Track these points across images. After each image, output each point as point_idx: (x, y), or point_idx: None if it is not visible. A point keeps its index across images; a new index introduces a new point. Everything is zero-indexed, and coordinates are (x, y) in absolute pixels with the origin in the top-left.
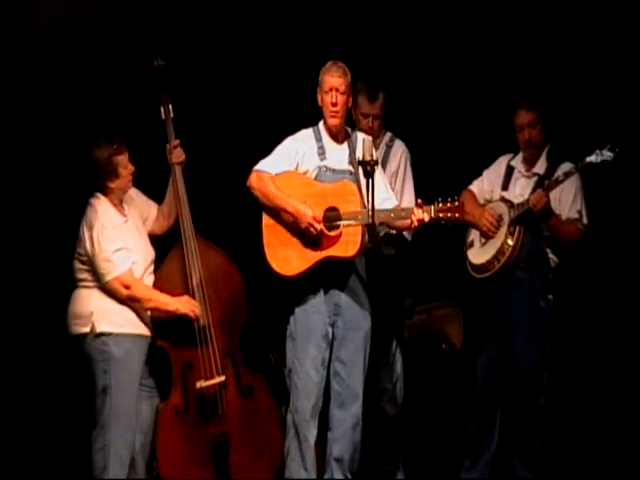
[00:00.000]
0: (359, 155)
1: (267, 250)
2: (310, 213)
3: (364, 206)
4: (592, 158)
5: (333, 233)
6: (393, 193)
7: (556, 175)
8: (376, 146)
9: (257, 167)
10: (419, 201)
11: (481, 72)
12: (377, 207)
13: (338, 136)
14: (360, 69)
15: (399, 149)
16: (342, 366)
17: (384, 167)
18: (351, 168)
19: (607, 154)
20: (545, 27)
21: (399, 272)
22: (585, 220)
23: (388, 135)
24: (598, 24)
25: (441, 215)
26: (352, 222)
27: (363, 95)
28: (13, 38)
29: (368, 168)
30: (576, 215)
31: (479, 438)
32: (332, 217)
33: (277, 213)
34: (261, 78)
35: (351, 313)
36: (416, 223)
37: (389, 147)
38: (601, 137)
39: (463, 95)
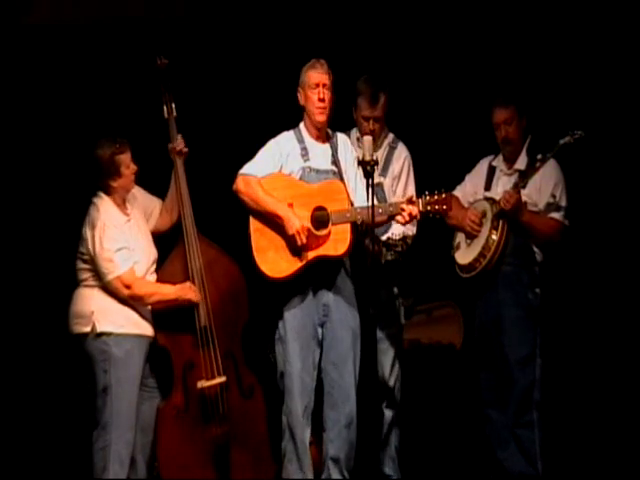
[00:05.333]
0: (359, 155)
1: (256, 254)
2: (298, 223)
3: (352, 204)
4: (566, 139)
5: (322, 232)
6: (394, 197)
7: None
8: (378, 146)
9: (242, 171)
10: (408, 197)
11: (478, 72)
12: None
13: (321, 136)
14: (361, 70)
15: (402, 153)
16: (333, 367)
17: (386, 169)
18: (334, 168)
19: (579, 132)
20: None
21: (398, 273)
22: (563, 203)
23: (391, 136)
24: (566, 15)
25: (429, 208)
26: (342, 220)
27: (364, 97)
28: (16, 38)
29: (368, 168)
30: (552, 199)
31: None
32: (320, 217)
33: (265, 216)
34: (264, 76)
35: (340, 313)
36: (407, 218)
37: (392, 148)
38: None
39: (461, 95)
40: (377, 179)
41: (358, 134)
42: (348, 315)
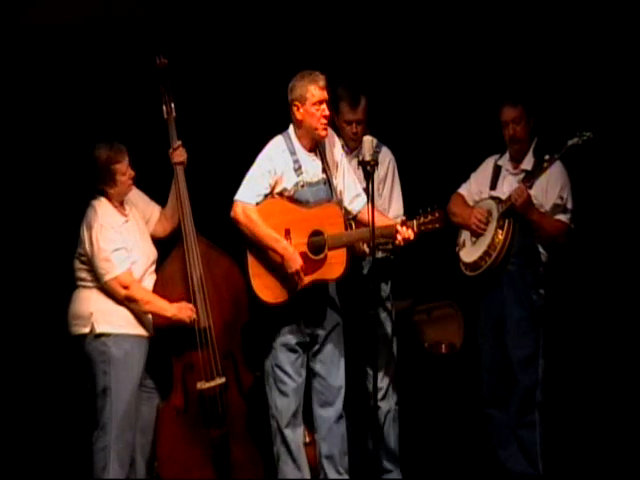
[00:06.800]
0: (359, 156)
1: (253, 280)
2: (299, 262)
3: (347, 227)
4: (574, 140)
5: (319, 257)
6: (381, 200)
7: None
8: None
9: (239, 198)
10: (402, 219)
11: (464, 72)
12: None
13: (312, 146)
14: (340, 75)
15: (386, 156)
16: (321, 365)
17: None
18: (324, 176)
19: (587, 133)
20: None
21: (389, 271)
22: (569, 205)
23: (374, 140)
24: (573, 15)
25: (423, 228)
26: (338, 244)
27: (345, 101)
28: (15, 38)
29: (368, 168)
30: (559, 201)
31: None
32: (317, 242)
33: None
34: (264, 76)
35: (329, 319)
36: (402, 243)
37: (376, 153)
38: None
39: (447, 97)
40: (362, 183)
41: (342, 142)
42: (334, 316)
